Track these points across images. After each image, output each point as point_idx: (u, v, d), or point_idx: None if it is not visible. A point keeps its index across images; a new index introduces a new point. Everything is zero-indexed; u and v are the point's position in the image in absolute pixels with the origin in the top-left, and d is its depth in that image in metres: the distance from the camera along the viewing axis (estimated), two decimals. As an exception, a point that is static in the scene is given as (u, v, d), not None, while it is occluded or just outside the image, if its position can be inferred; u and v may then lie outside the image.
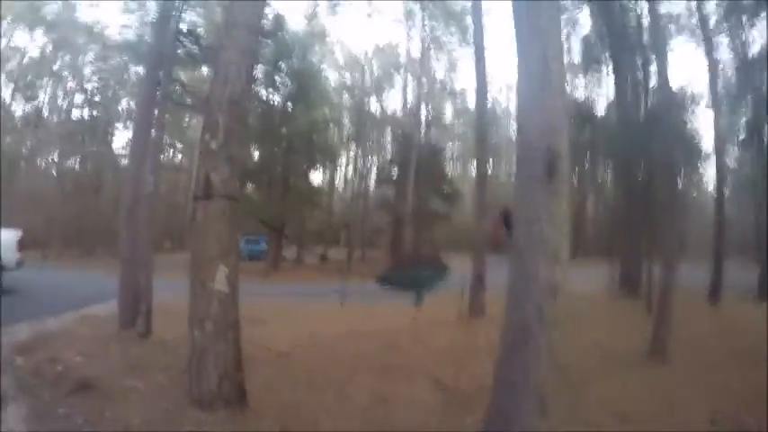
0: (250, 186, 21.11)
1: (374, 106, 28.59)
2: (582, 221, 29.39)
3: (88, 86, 23.20)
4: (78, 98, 23.69)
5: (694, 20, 12.14)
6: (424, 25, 22.32)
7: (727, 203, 13.39)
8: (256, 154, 21.66)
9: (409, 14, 22.34)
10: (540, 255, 2.35)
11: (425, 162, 23.93)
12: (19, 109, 24.24)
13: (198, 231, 3.72)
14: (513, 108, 25.43)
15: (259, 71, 19.70)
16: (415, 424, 3.63)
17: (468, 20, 15.79)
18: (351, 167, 29.63)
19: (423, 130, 25.15)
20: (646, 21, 11.02)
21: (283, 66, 20.15)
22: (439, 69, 25.68)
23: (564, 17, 14.65)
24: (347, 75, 27.36)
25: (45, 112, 24.25)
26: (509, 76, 34.92)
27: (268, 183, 20.62)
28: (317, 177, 27.19)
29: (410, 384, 4.61)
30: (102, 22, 21.78)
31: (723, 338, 6.41)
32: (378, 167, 28.90)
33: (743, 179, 16.55)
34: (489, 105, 19.34)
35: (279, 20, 18.75)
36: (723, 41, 13.24)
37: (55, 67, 23.17)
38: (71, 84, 23.59)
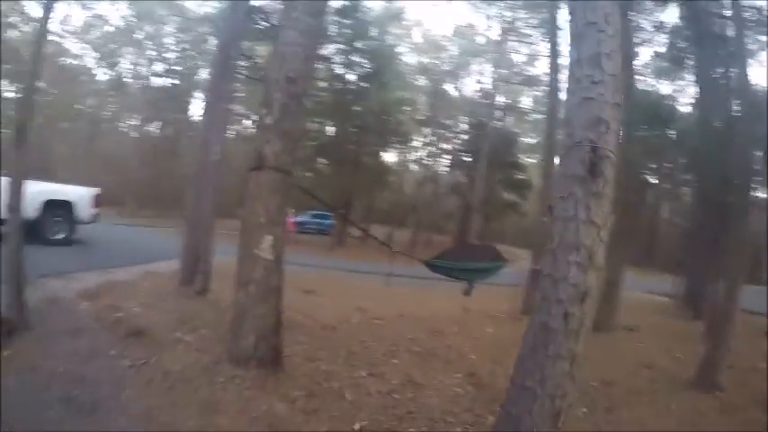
0: (321, 162, 21.64)
1: (451, 90, 28.08)
2: (655, 232, 27.49)
3: (169, 56, 24.56)
4: (159, 67, 25.06)
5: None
6: (501, 15, 21.45)
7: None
8: (331, 130, 22.10)
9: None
10: (572, 256, 2.26)
11: (498, 150, 23.35)
12: (102, 75, 26.10)
13: (248, 200, 3.92)
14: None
15: (336, 50, 20.19)
16: (437, 412, 3.66)
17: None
18: (424, 150, 29.35)
19: (498, 118, 24.44)
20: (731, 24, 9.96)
21: (360, 45, 20.36)
22: (518, 59, 24.68)
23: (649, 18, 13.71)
24: (425, 57, 26.96)
25: (127, 79, 25.84)
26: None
27: (339, 159, 21.04)
28: (389, 158, 27.35)
29: (445, 373, 4.65)
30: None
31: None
32: (451, 152, 28.59)
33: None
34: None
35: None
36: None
37: (137, 37, 24.40)
38: (153, 53, 24.90)
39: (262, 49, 14.83)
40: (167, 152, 24.23)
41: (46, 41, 4.53)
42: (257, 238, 3.79)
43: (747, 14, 9.00)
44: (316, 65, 7.32)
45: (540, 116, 24.93)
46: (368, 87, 20.77)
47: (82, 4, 21.91)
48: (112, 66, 25.32)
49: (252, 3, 8.33)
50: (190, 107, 26.12)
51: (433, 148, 28.59)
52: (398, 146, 26.30)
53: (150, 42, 24.48)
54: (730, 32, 9.41)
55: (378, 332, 5.94)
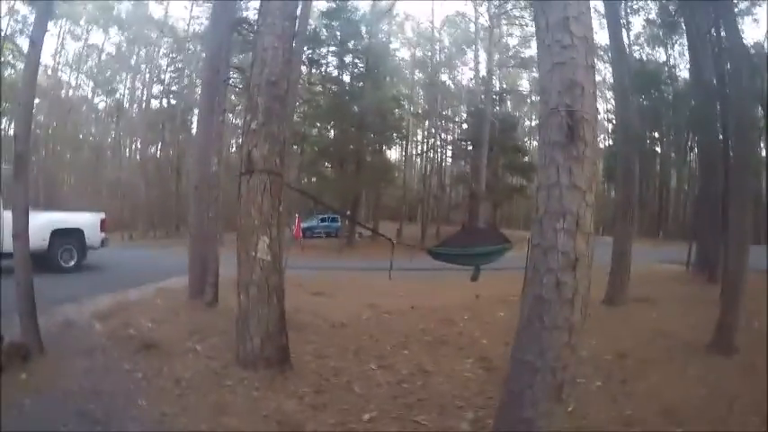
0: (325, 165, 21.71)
1: (446, 80, 28.14)
2: (665, 201, 27.14)
3: (164, 77, 25.00)
4: (156, 89, 25.58)
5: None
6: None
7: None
8: (331, 134, 22.23)
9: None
10: (558, 223, 2.23)
11: (499, 135, 23.22)
12: (101, 102, 26.69)
13: (242, 204, 3.96)
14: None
15: (328, 53, 20.24)
16: (448, 398, 3.65)
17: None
18: (426, 143, 29.33)
19: (496, 103, 24.31)
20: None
21: (351, 46, 20.37)
22: (512, 42, 24.58)
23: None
24: (418, 50, 27.04)
25: (125, 104, 26.43)
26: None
27: (341, 161, 21.07)
28: (392, 155, 27.39)
29: (456, 360, 4.63)
30: (173, 15, 23.47)
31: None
32: (452, 142, 28.53)
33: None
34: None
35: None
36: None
37: (132, 62, 25.06)
38: (148, 76, 25.44)
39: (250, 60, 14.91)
40: (170, 172, 24.54)
41: (37, 71, 4.58)
42: (253, 240, 3.84)
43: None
44: (299, 66, 7.34)
45: (538, 97, 24.69)
46: (363, 86, 20.82)
47: (73, 36, 22.27)
48: (110, 93, 25.78)
49: (238, 15, 8.37)
50: (191, 124, 26.45)
51: (435, 140, 28.56)
52: (400, 141, 26.32)
53: (144, 65, 24.98)
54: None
55: (388, 326, 5.95)
